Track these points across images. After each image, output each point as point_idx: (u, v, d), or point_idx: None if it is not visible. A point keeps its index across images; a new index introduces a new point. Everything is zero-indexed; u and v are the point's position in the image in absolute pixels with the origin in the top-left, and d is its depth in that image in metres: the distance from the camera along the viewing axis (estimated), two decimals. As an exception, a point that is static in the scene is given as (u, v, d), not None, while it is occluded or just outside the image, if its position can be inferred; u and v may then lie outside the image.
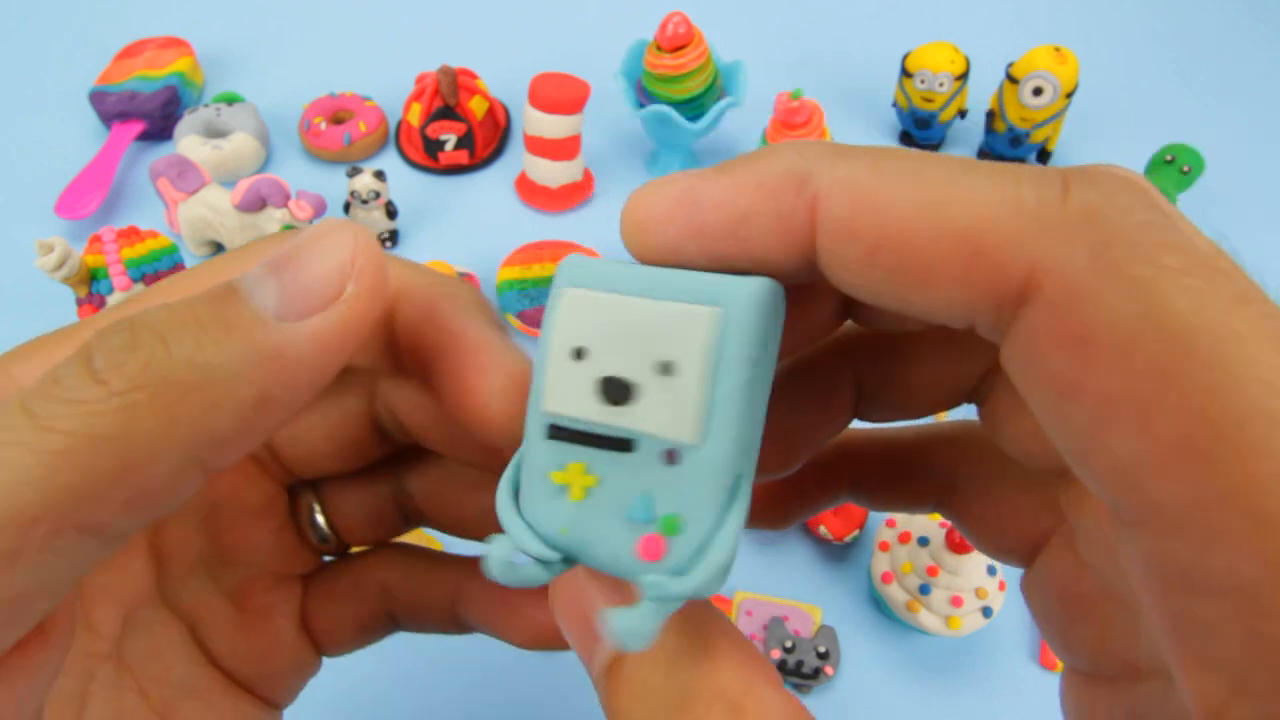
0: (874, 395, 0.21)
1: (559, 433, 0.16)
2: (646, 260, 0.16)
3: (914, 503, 0.23)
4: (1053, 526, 0.20)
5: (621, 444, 0.16)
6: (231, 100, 0.74)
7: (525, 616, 0.23)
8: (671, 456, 0.15)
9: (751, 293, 0.15)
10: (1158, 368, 0.12)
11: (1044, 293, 0.13)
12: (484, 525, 0.23)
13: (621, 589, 0.17)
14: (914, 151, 0.14)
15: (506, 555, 0.16)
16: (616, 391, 0.16)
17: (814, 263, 0.15)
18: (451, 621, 0.25)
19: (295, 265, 0.16)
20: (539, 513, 0.16)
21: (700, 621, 0.16)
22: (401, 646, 0.44)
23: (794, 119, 0.66)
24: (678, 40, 0.64)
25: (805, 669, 0.47)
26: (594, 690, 0.17)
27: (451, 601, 0.24)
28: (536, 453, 0.16)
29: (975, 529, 0.22)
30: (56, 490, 0.13)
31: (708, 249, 0.16)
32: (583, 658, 0.17)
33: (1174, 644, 0.13)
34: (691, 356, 0.15)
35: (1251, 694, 0.12)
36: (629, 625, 0.14)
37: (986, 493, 0.21)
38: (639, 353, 0.15)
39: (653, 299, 0.16)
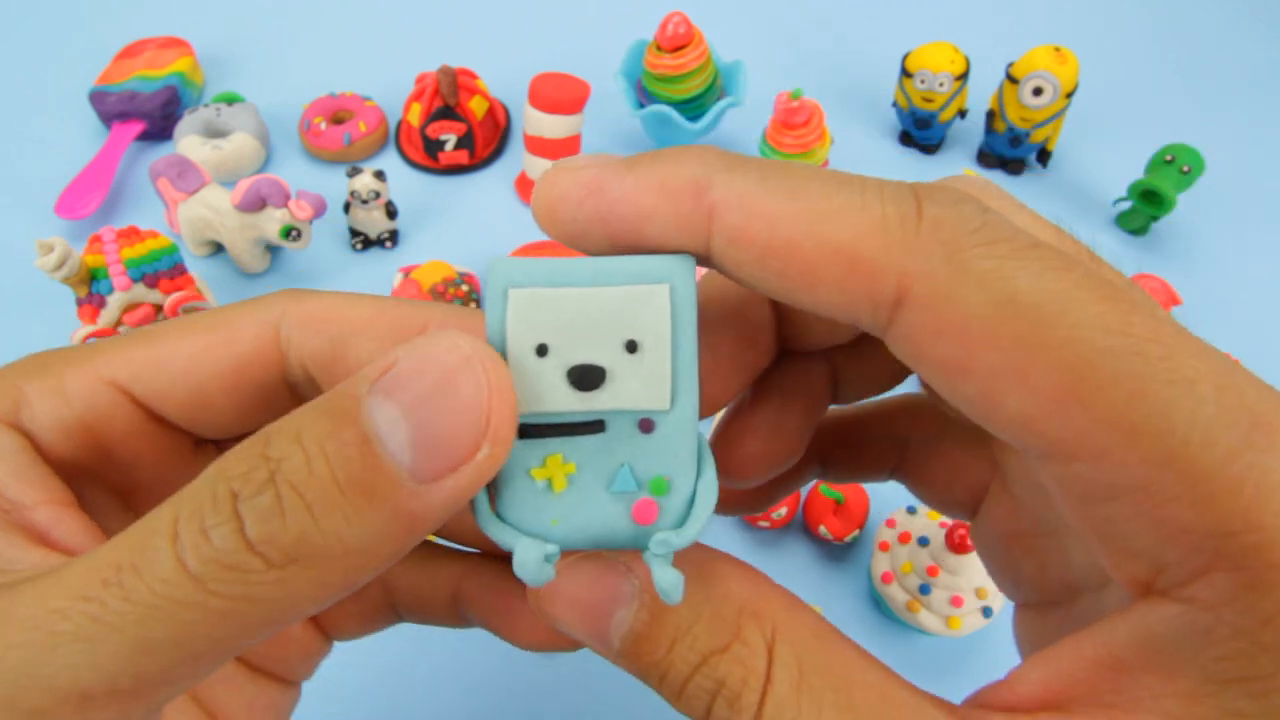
0: (841, 379, 0.23)
1: (530, 430, 0.17)
2: (556, 239, 0.18)
3: (874, 469, 0.26)
4: (990, 476, 0.23)
5: (593, 426, 0.17)
6: (231, 100, 0.74)
7: (527, 619, 0.23)
8: (646, 425, 0.17)
9: (687, 269, 0.17)
10: (1020, 338, 0.14)
11: (914, 296, 0.15)
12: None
13: (614, 564, 0.18)
14: (795, 167, 0.17)
15: (538, 556, 0.16)
16: (589, 377, 0.16)
17: (707, 257, 0.17)
18: (453, 615, 0.25)
19: (429, 413, 0.15)
20: (527, 512, 0.17)
21: (696, 556, 0.18)
22: (411, 639, 0.44)
23: (794, 119, 0.66)
24: (678, 40, 0.64)
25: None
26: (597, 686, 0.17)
27: (452, 597, 0.25)
28: (510, 456, 0.17)
29: (926, 487, 0.25)
30: (217, 639, 0.15)
31: (611, 235, 0.17)
32: (596, 643, 0.18)
33: (1099, 544, 0.16)
34: (655, 331, 0.17)
35: (1167, 567, 0.14)
36: (666, 580, 0.16)
37: (933, 453, 0.25)
38: (602, 337, 0.17)
39: (598, 286, 0.17)
